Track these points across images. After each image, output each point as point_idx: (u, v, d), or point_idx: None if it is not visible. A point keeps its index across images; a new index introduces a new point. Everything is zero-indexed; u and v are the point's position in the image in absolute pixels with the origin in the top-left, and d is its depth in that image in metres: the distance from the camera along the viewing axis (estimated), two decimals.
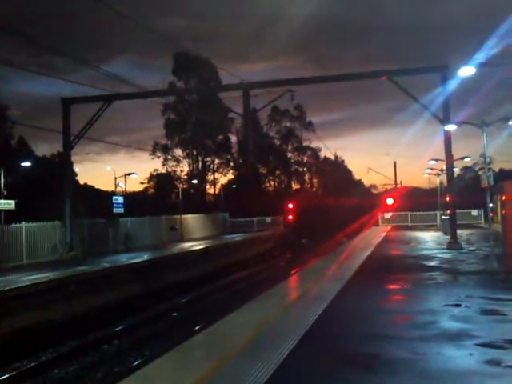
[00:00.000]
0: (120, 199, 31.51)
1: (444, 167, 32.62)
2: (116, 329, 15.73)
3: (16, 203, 23.38)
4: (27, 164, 29.44)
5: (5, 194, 22.94)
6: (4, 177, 24.26)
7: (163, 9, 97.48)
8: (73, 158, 31.05)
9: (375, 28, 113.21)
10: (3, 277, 18.39)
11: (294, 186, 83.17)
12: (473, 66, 15.81)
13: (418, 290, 12.43)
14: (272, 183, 79.49)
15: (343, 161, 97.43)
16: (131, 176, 42.54)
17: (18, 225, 23.38)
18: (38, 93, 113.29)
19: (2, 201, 22.53)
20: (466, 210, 42.98)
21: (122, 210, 31.05)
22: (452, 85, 22.26)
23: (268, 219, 51.10)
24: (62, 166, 31.13)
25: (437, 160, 34.68)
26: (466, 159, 33.95)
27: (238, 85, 28.74)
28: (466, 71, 15.91)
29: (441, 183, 41.70)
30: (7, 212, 22.68)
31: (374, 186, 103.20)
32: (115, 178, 35.61)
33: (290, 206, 52.65)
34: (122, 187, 38.38)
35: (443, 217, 35.83)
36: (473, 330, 8.18)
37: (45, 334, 14.71)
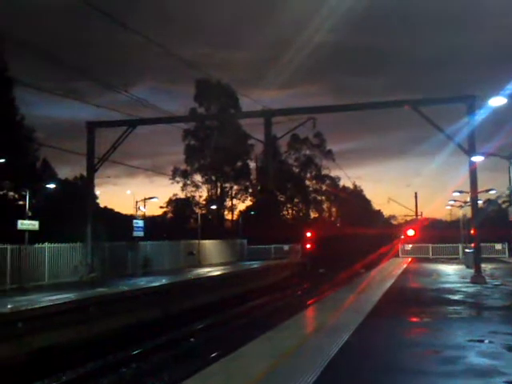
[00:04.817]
0: (140, 223, 31.70)
1: (467, 199, 32.27)
2: (133, 352, 15.67)
3: (39, 224, 23.76)
4: (52, 186, 29.90)
5: (29, 214, 23.32)
6: (29, 198, 24.68)
7: (183, 36, 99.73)
8: (94, 181, 31.48)
9: (397, 56, 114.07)
10: (25, 296, 18.57)
11: (313, 215, 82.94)
12: (504, 96, 15.69)
13: (442, 324, 12.20)
14: (290, 211, 79.35)
15: (362, 190, 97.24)
16: (151, 200, 42.82)
17: (41, 245, 23.71)
18: (57, 116, 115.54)
19: (27, 221, 22.88)
20: (489, 244, 42.22)
21: (142, 234, 31.21)
22: (480, 115, 22.02)
23: (286, 247, 50.82)
24: (84, 188, 31.61)
25: (461, 192, 34.26)
26: (490, 192, 33.50)
27: (259, 111, 28.89)
28: (497, 101, 15.80)
29: (463, 216, 41.13)
30: (30, 233, 23.03)
31: (393, 217, 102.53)
32: (136, 202, 35.94)
33: (309, 234, 52.40)
34: (142, 211, 38.66)
35: (466, 250, 35.23)
36: (501, 366, 7.97)
37: (64, 355, 14.73)
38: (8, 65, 35.69)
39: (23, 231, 22.56)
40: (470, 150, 23.43)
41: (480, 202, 37.42)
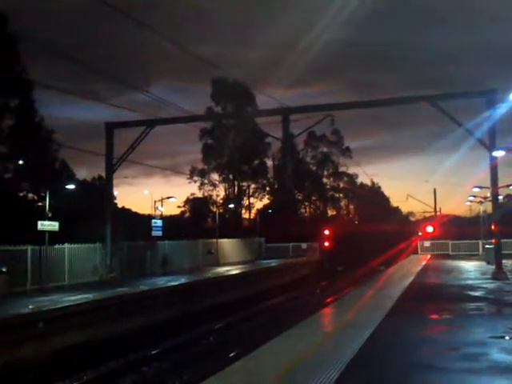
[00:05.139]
0: (159, 222, 31.88)
1: (487, 195, 31.83)
2: (154, 351, 15.77)
3: (59, 225, 23.99)
4: (71, 187, 30.20)
5: (49, 215, 23.56)
6: (48, 199, 24.94)
7: (196, 35, 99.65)
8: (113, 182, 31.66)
9: (413, 52, 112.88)
10: (46, 297, 18.77)
11: (330, 212, 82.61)
12: None
13: (463, 320, 12.04)
14: (308, 209, 79.16)
15: (380, 187, 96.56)
16: (168, 200, 43.05)
17: (61, 246, 23.96)
18: (74, 117, 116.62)
19: (47, 222, 23.12)
20: (509, 240, 41.49)
21: (160, 233, 31.38)
22: (502, 109, 21.53)
23: (304, 245, 50.69)
24: (102, 189, 31.88)
25: (481, 187, 33.79)
26: (510, 187, 33.02)
27: (277, 109, 28.70)
28: None
29: (483, 211, 40.55)
30: (50, 233, 23.27)
31: (411, 214, 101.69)
32: (154, 202, 36.24)
33: (327, 232, 52.23)
34: (160, 210, 38.93)
35: (486, 246, 34.74)
36: None
37: (85, 355, 14.87)
38: (27, 66, 36.07)
39: (43, 232, 22.78)
40: (491, 145, 22.97)
41: (500, 198, 36.93)
